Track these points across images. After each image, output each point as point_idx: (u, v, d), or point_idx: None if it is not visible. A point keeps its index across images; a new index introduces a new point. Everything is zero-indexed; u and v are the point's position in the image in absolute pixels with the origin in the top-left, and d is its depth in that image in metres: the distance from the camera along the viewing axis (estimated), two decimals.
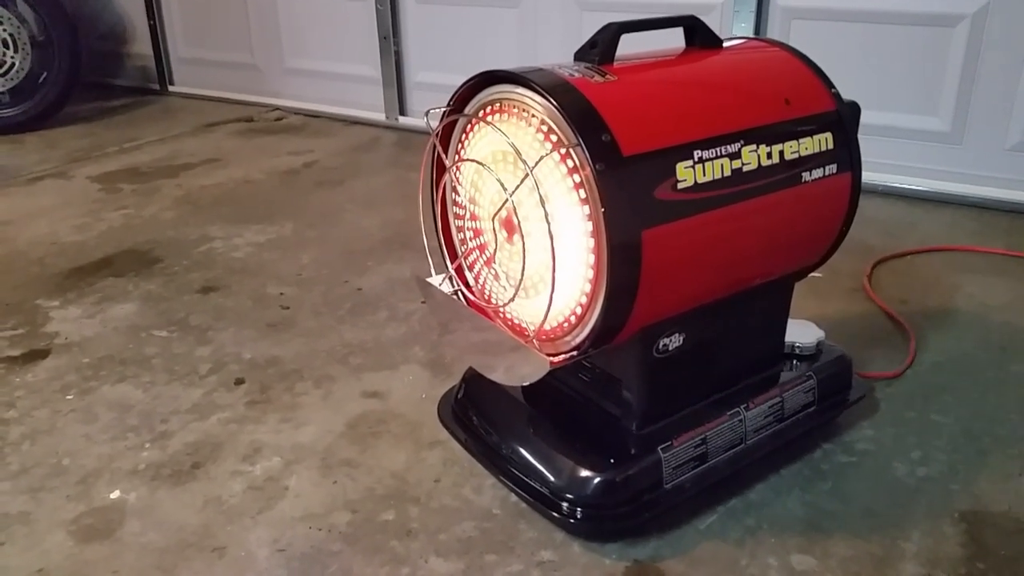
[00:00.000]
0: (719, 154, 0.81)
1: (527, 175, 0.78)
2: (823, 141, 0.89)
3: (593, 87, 0.78)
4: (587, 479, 0.89)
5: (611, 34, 0.84)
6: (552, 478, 0.91)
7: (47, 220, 1.97)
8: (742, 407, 0.96)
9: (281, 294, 1.54)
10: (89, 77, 3.11)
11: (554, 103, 0.75)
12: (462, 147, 0.90)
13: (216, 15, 2.99)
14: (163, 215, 1.97)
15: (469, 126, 0.88)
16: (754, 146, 0.83)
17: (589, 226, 0.76)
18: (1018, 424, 1.09)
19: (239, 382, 1.25)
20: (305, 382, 1.24)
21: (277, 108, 2.91)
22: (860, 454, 1.04)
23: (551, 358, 0.81)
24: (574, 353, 0.82)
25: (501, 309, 0.89)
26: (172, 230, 1.87)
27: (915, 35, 1.84)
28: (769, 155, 0.84)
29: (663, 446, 0.90)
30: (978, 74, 1.80)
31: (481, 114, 0.86)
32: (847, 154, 0.92)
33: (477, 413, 1.04)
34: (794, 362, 1.05)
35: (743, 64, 0.92)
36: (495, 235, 0.88)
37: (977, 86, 1.81)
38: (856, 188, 0.94)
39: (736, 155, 0.82)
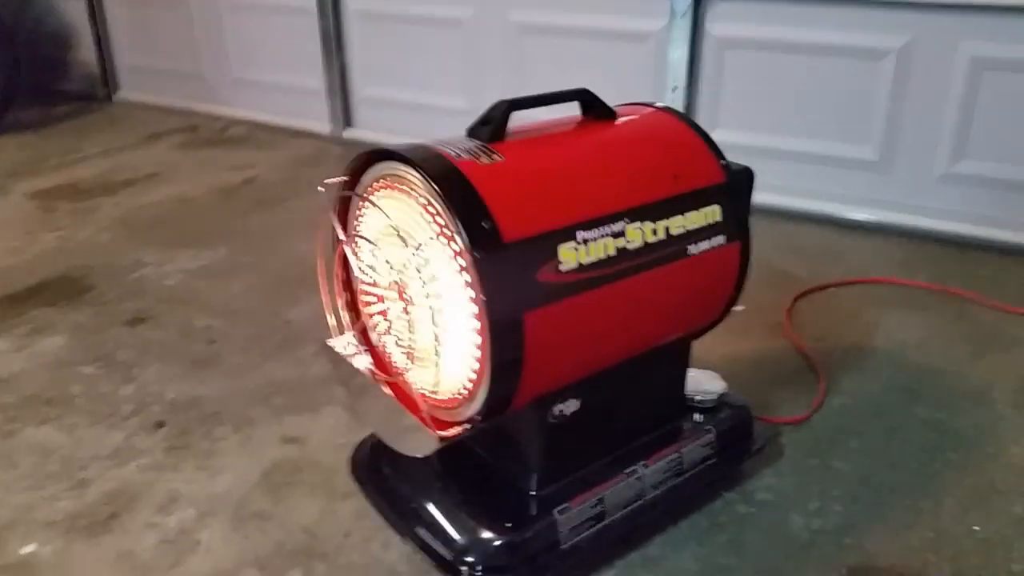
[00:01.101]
0: (603, 234, 0.83)
1: (413, 254, 0.80)
2: (711, 214, 0.92)
3: (479, 169, 0.80)
4: (486, 541, 0.91)
5: (501, 112, 0.86)
6: (454, 539, 0.93)
7: None
8: (640, 464, 0.99)
9: (208, 327, 1.54)
10: (33, 82, 3.06)
11: (436, 189, 0.77)
12: (358, 219, 0.92)
13: (161, 23, 2.96)
14: (98, 238, 1.96)
15: (364, 197, 0.89)
16: (639, 223, 0.86)
17: (474, 307, 0.78)
18: (915, 472, 1.13)
19: (159, 425, 1.26)
20: (225, 426, 1.25)
21: (221, 118, 2.89)
22: (759, 504, 1.07)
23: (443, 432, 0.83)
24: (468, 425, 0.84)
25: (399, 375, 0.91)
26: (106, 255, 1.86)
27: (844, 67, 1.88)
28: (655, 231, 0.87)
29: (559, 508, 0.92)
30: (905, 106, 1.85)
31: (372, 187, 0.87)
32: (736, 224, 0.95)
33: (388, 465, 1.06)
34: (694, 415, 1.08)
35: (634, 137, 0.94)
36: (393, 303, 0.90)
37: (904, 117, 1.86)
38: (745, 256, 0.97)
39: (620, 234, 0.84)
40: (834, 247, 1.87)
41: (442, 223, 0.78)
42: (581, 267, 0.81)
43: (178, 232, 1.98)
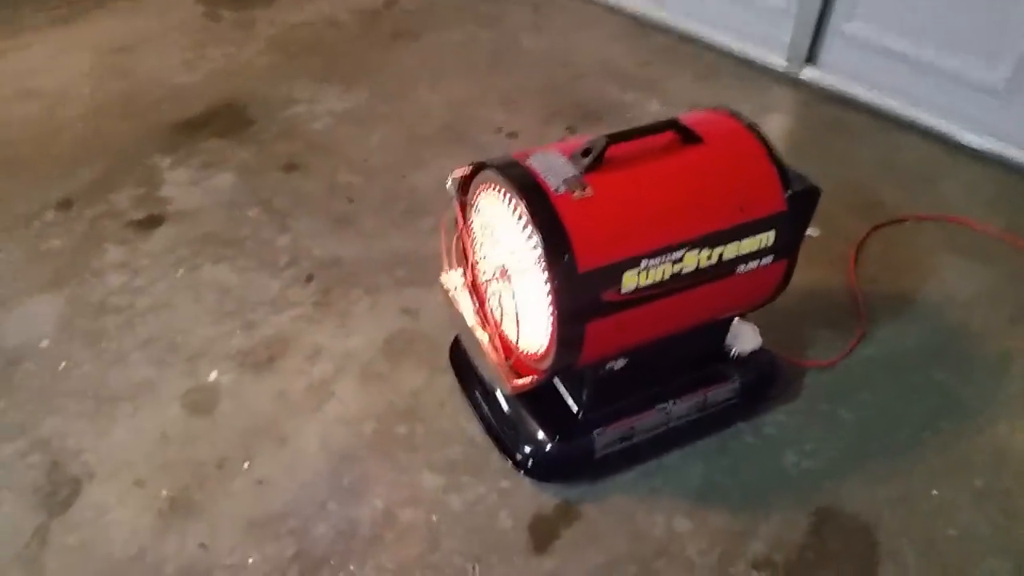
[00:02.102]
0: (664, 261, 1.03)
1: (511, 254, 1.05)
2: (765, 239, 1.09)
3: (570, 205, 1.00)
4: (539, 443, 1.23)
5: (600, 147, 1.03)
6: (517, 434, 1.25)
7: (156, 50, 2.22)
8: (670, 402, 1.26)
9: (349, 183, 1.82)
10: None
11: (534, 225, 0.99)
12: (475, 206, 1.14)
13: None
14: (257, 61, 2.21)
15: (480, 188, 1.11)
16: (698, 251, 1.05)
17: (550, 308, 1.03)
18: (907, 434, 1.36)
19: (309, 279, 1.59)
20: (358, 289, 1.57)
21: None
22: (764, 438, 1.34)
23: (516, 381, 1.12)
24: (537, 377, 1.12)
25: (496, 328, 1.18)
26: (263, 83, 2.12)
27: None
28: (709, 257, 1.06)
29: (598, 431, 1.22)
30: None
31: (482, 186, 1.09)
32: (786, 246, 1.12)
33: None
34: (729, 361, 1.31)
35: (712, 168, 1.09)
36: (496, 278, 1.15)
37: None
38: (789, 271, 1.15)
39: (679, 260, 1.04)
40: (932, 169, 1.93)
41: (534, 247, 1.01)
42: (638, 289, 1.03)
43: (326, 63, 2.20)
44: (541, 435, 1.23)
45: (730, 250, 1.07)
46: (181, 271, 1.59)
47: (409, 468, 1.28)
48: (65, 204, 1.71)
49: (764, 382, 1.35)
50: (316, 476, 1.26)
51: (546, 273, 0.99)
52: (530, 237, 1.01)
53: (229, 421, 1.34)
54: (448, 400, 1.37)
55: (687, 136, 1.09)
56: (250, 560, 1.16)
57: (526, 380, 1.11)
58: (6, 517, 1.20)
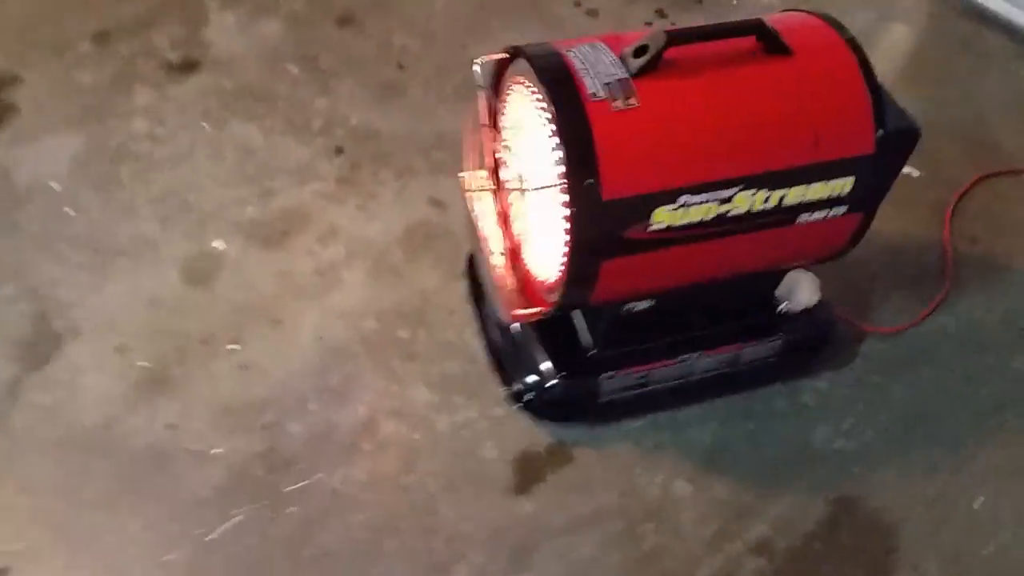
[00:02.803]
0: (709, 199, 0.87)
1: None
2: (840, 187, 0.91)
3: (606, 117, 0.83)
4: (542, 375, 1.11)
5: (659, 47, 0.85)
6: (521, 361, 1.14)
7: None
8: (696, 354, 1.11)
9: (404, 47, 1.65)
10: None
11: (560, 132, 0.83)
12: (505, 95, 0.98)
13: None
14: None
15: (512, 80, 0.94)
16: (752, 191, 0.88)
17: (565, 235, 0.88)
18: (964, 425, 1.18)
19: (339, 151, 1.46)
20: (389, 169, 1.44)
21: None
22: (798, 407, 1.19)
23: (518, 311, 0.99)
24: (543, 310, 0.98)
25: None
26: None
27: None
28: (767, 199, 0.89)
29: (607, 374, 1.09)
30: None
31: (515, 80, 0.92)
32: (865, 196, 0.93)
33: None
34: (776, 314, 1.14)
35: (792, 87, 0.89)
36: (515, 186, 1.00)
37: None
38: (864, 226, 0.96)
39: (728, 200, 0.87)
40: None
41: (556, 161, 0.85)
42: (670, 228, 0.87)
43: None
44: (545, 367, 1.11)
45: (794, 194, 0.90)
46: (207, 124, 1.48)
47: (402, 377, 1.18)
48: (102, 37, 1.61)
49: (813, 344, 1.19)
50: (303, 369, 1.18)
51: (565, 195, 0.84)
52: (554, 149, 0.85)
53: (225, 295, 1.26)
54: (459, 309, 1.26)
55: (771, 44, 0.89)
56: (215, 450, 1.10)
57: (528, 312, 0.98)
58: None
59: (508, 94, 0.97)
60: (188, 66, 1.58)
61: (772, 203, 0.89)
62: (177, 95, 1.53)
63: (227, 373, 1.17)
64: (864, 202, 0.93)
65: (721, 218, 0.88)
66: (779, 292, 1.14)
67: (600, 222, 0.85)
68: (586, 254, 0.87)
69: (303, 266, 1.30)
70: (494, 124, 1.01)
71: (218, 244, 1.32)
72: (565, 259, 0.87)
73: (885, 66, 1.65)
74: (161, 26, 1.64)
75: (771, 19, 0.91)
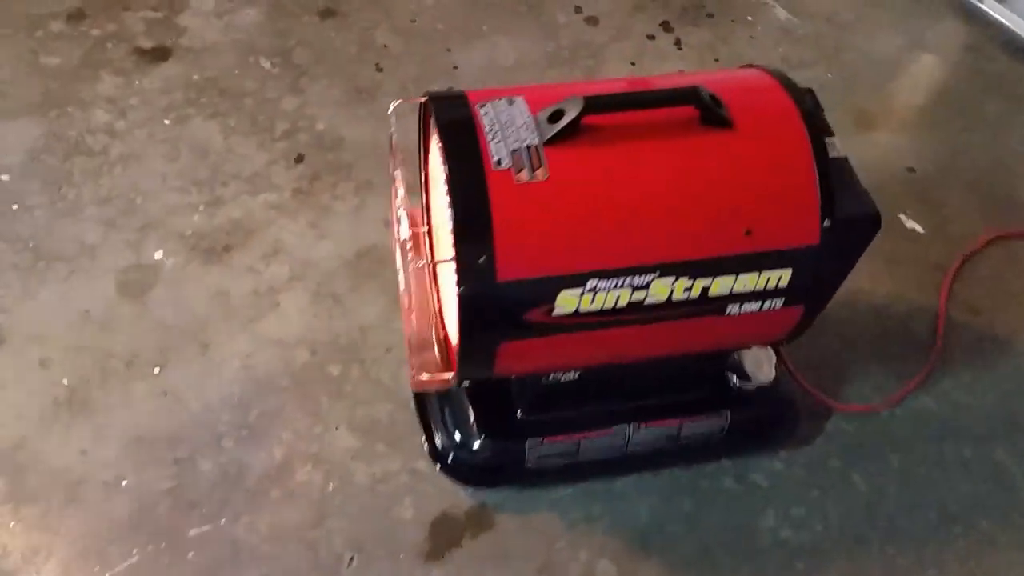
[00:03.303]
0: (620, 285, 0.77)
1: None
2: (774, 279, 0.81)
3: (507, 189, 0.74)
4: (465, 435, 1.04)
5: (576, 112, 0.75)
6: (447, 416, 1.06)
7: None
8: (632, 425, 1.03)
9: (385, 46, 1.56)
10: None
11: (452, 205, 0.74)
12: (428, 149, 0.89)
13: None
14: None
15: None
16: (672, 279, 0.78)
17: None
18: (933, 527, 1.07)
19: (299, 159, 1.39)
20: (349, 183, 1.37)
21: None
22: (748, 486, 1.10)
23: (421, 378, 0.91)
24: (445, 381, 0.90)
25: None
26: None
27: None
28: (688, 289, 0.79)
29: (533, 440, 1.01)
30: None
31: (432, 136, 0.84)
32: (806, 289, 0.83)
33: None
34: (723, 389, 1.04)
35: (727, 164, 0.79)
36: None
37: None
38: (807, 319, 0.86)
39: (643, 287, 0.78)
40: None
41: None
42: (578, 313, 0.78)
43: None
44: (468, 426, 1.03)
45: (720, 285, 0.80)
46: (168, 120, 1.42)
47: (326, 418, 1.12)
48: (77, 15, 1.55)
49: (766, 423, 1.08)
50: (224, 401, 1.13)
51: (455, 273, 0.75)
52: (449, 219, 0.76)
53: (157, 312, 1.20)
54: (397, 346, 1.19)
55: (708, 115, 0.78)
56: (124, 482, 1.05)
57: (431, 378, 0.90)
58: None
59: (431, 143, 0.88)
60: (160, 53, 1.51)
61: (695, 293, 0.79)
62: (143, 86, 1.47)
63: (146, 398, 1.12)
64: (806, 295, 0.83)
65: (636, 305, 0.79)
66: (730, 365, 1.04)
67: (494, 302, 0.76)
68: (479, 334, 0.78)
69: (242, 286, 1.24)
70: (423, 173, 0.93)
71: (159, 255, 1.26)
72: (457, 336, 0.79)
73: (904, 100, 1.52)
74: (138, 7, 1.58)
75: (719, 79, 0.81)
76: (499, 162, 0.75)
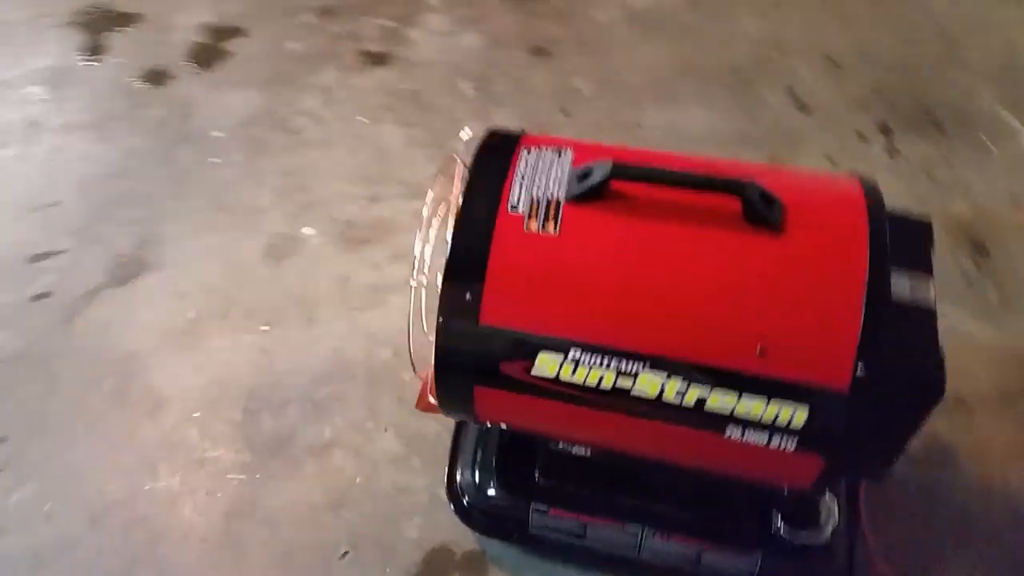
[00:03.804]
0: (605, 365, 0.73)
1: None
2: (788, 414, 0.71)
3: (515, 234, 0.73)
4: (481, 478, 1.01)
5: (598, 178, 0.72)
6: (476, 457, 1.04)
7: None
8: (646, 528, 0.95)
9: (578, 91, 1.58)
10: None
11: (454, 235, 0.74)
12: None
13: None
14: None
15: None
16: (663, 376, 0.72)
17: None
18: None
19: None
20: None
21: None
22: None
23: (421, 405, 0.91)
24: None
25: None
26: None
27: None
28: (681, 394, 0.72)
29: (537, 505, 0.97)
30: None
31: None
32: (831, 441, 0.71)
33: None
34: (762, 525, 0.94)
35: (757, 270, 0.71)
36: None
37: None
38: (829, 473, 0.74)
39: (629, 375, 0.72)
40: None
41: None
42: (557, 380, 0.75)
43: None
44: (490, 470, 1.01)
45: (720, 401, 0.72)
46: (364, 118, 1.56)
47: (380, 417, 1.17)
48: (326, 12, 1.75)
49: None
50: (304, 373, 1.21)
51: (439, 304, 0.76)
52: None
53: (286, 278, 1.33)
54: None
55: (751, 211, 0.71)
56: (195, 414, 1.17)
57: (429, 405, 0.90)
58: None
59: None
60: (380, 58, 1.66)
61: (688, 400, 0.72)
62: (355, 83, 1.62)
63: (246, 349, 1.23)
64: (829, 446, 0.72)
65: (622, 393, 0.73)
66: (778, 501, 0.92)
67: (472, 343, 0.75)
68: (453, 372, 0.77)
69: (362, 277, 1.32)
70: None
71: (308, 231, 1.38)
72: (433, 369, 0.78)
73: None
74: (378, 14, 1.74)
75: (798, 177, 0.74)
76: (515, 207, 0.74)
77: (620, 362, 0.72)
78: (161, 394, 1.19)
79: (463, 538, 1.05)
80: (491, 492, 1.01)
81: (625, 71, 1.62)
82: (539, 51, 1.67)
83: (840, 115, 1.53)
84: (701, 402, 0.72)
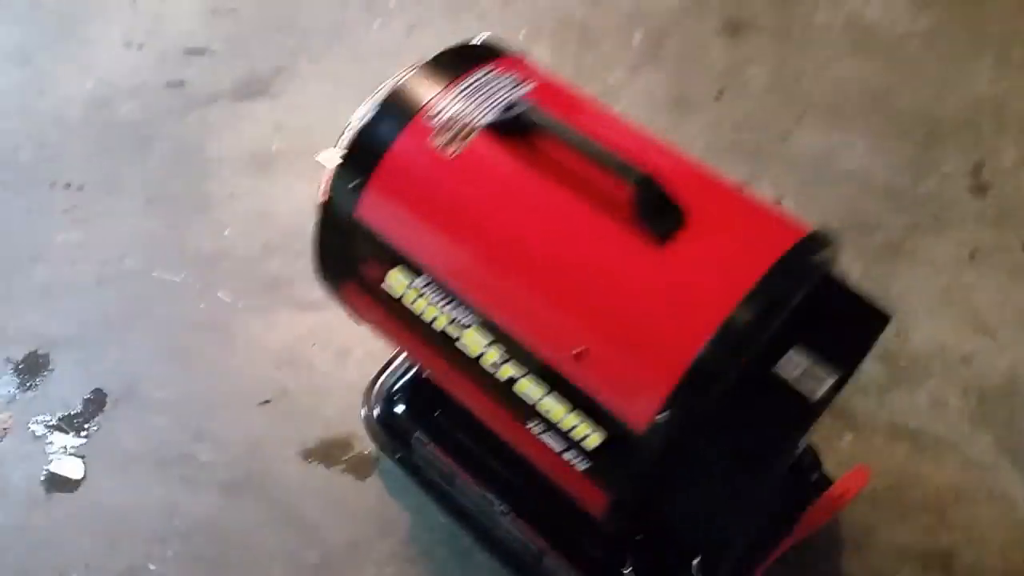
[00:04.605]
0: (442, 304, 0.68)
1: None
2: (583, 431, 0.63)
3: (416, 147, 0.70)
4: (388, 397, 1.01)
5: (516, 113, 0.66)
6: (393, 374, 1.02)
7: None
8: (499, 502, 0.89)
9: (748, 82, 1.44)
10: None
11: (362, 125, 0.72)
12: None
13: None
14: None
15: None
16: (486, 340, 0.66)
17: None
18: None
19: None
20: None
21: None
22: None
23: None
24: None
25: None
26: None
27: None
28: (495, 365, 0.66)
29: (421, 437, 0.95)
30: None
31: None
32: (619, 477, 0.63)
33: None
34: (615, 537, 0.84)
35: (618, 272, 0.62)
36: None
37: None
38: (615, 510, 0.65)
39: (458, 323, 0.68)
40: None
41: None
42: (403, 305, 0.71)
43: None
44: (404, 388, 1.00)
45: (527, 387, 0.66)
46: None
47: None
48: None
49: None
50: None
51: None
52: None
53: None
54: None
55: (641, 212, 0.62)
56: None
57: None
58: None
59: None
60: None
61: (501, 375, 0.66)
62: None
63: (298, 195, 1.29)
64: (616, 484, 0.63)
65: (449, 341, 0.69)
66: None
67: (342, 232, 0.73)
68: (326, 252, 0.76)
69: None
70: None
71: None
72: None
73: None
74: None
75: (738, 203, 0.64)
76: (431, 117, 0.70)
77: (455, 310, 0.68)
78: (212, 199, 1.29)
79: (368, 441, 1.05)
80: (396, 410, 1.00)
81: (808, 78, 1.45)
82: (733, 26, 1.53)
83: (1016, 211, 1.27)
84: (512, 381, 0.66)
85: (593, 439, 0.62)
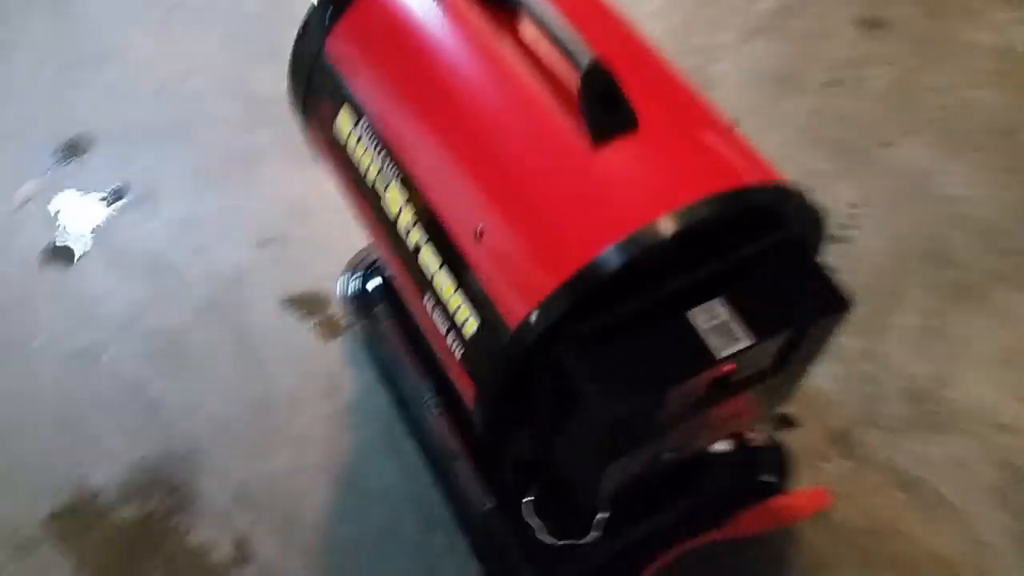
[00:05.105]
0: (373, 153, 0.65)
1: None
2: (464, 315, 0.58)
3: None
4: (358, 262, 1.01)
5: None
6: None
7: None
8: (435, 400, 0.87)
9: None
10: None
11: None
12: None
13: None
14: None
15: None
16: (404, 197, 0.63)
17: None
18: None
19: None
20: None
21: None
22: None
23: None
24: None
25: None
26: None
27: None
28: (407, 230, 0.63)
29: (381, 310, 0.94)
30: None
31: None
32: (482, 371, 0.58)
33: None
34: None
35: (536, 169, 0.56)
36: None
37: None
38: (481, 418, 0.61)
39: (386, 178, 0.64)
40: None
41: None
42: (346, 151, 0.69)
43: None
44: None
45: (426, 256, 0.62)
46: None
47: None
48: None
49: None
50: None
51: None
52: None
53: None
54: None
55: (583, 102, 0.56)
56: None
57: None
58: None
59: None
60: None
61: (411, 240, 0.62)
62: None
63: None
64: (480, 373, 0.58)
65: (375, 196, 0.66)
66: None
67: (309, 65, 0.71)
68: (296, 83, 0.74)
69: None
70: None
71: None
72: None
73: None
74: None
75: (715, 129, 0.58)
76: None
77: (384, 160, 0.64)
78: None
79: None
80: (371, 282, 1.00)
81: (933, 93, 1.30)
82: (872, 21, 1.39)
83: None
84: (417, 250, 0.62)
85: (471, 324, 0.57)
